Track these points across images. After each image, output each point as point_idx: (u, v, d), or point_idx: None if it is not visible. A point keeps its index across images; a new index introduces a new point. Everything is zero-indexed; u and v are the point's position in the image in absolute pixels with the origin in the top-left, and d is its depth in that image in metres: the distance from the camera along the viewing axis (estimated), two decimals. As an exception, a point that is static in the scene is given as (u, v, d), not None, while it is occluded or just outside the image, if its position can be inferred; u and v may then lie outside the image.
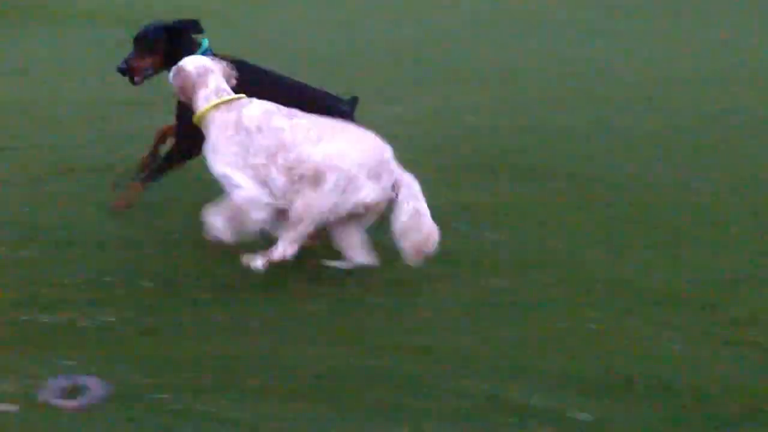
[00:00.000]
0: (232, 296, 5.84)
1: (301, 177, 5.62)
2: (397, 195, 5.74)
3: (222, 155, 5.74)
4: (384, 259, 6.00)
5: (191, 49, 6.42)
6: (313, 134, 5.67)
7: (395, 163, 5.80)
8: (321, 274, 6.01)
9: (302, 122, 5.72)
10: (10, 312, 5.61)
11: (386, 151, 5.77)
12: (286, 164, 5.65)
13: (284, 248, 5.77)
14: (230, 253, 5.99)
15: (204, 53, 6.38)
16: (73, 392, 4.77)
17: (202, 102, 5.83)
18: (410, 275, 5.96)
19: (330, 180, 5.61)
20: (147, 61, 6.52)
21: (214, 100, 5.79)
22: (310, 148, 5.63)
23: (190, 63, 5.92)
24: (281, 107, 5.81)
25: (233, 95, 5.83)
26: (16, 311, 5.62)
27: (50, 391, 4.76)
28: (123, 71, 6.58)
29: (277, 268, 5.87)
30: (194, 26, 6.57)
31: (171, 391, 4.85)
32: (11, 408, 4.66)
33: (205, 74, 5.86)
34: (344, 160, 5.63)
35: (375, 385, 4.94)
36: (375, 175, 5.69)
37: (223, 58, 6.14)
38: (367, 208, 5.75)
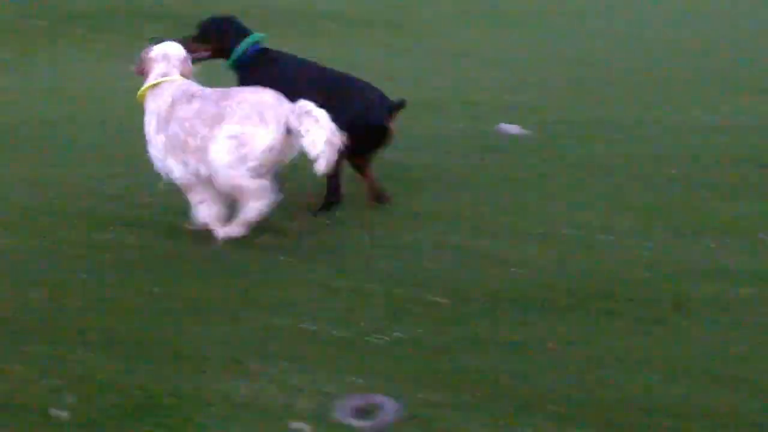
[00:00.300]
0: (528, 314, 5.60)
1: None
2: (293, 130, 6.23)
3: (150, 126, 6.57)
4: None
5: (238, 40, 7.21)
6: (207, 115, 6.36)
7: (288, 107, 6.27)
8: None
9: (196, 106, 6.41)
10: (300, 326, 5.52)
11: (271, 98, 6.32)
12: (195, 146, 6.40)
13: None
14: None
15: (250, 45, 7.18)
16: (366, 412, 4.60)
17: (149, 81, 6.64)
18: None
19: (226, 140, 6.28)
20: (198, 47, 7.20)
21: (152, 82, 6.60)
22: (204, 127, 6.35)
23: (158, 48, 6.74)
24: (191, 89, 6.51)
25: (169, 78, 6.59)
26: (303, 325, 5.52)
27: (343, 410, 4.60)
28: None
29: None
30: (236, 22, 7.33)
31: (465, 411, 4.63)
32: (304, 426, 4.53)
33: (160, 60, 6.67)
34: (232, 120, 6.29)
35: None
36: (264, 120, 6.24)
37: (268, 51, 7.18)
38: (272, 153, 6.26)
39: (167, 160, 6.54)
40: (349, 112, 6.76)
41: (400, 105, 7.02)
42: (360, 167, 7.13)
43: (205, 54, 7.24)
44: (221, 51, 7.25)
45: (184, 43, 7.11)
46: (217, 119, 6.35)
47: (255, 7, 13.49)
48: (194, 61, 7.05)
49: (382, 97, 7.06)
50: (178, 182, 6.58)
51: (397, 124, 7.05)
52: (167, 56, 6.70)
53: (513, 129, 9.06)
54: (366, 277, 6.10)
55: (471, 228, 6.83)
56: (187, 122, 6.43)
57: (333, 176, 6.85)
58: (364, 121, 6.92)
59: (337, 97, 6.83)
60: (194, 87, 6.59)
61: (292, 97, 6.42)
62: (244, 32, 7.26)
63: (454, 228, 6.82)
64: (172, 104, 6.51)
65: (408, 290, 5.91)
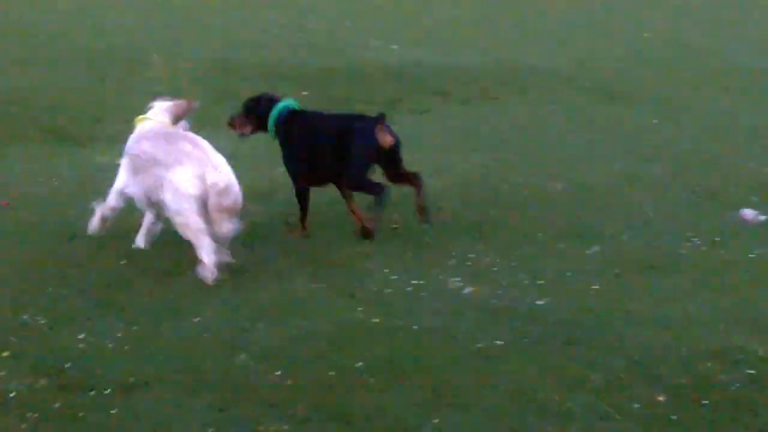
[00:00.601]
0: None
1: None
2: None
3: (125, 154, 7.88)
4: None
5: (269, 111, 8.32)
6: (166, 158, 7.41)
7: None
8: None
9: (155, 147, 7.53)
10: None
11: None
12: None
13: (205, 260, 7.22)
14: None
15: (280, 111, 8.26)
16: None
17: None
18: None
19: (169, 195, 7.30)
20: (245, 122, 8.43)
21: (140, 118, 7.93)
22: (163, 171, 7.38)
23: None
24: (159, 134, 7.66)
25: (149, 117, 7.90)
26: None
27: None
28: (230, 125, 8.55)
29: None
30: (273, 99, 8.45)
31: None
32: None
33: (152, 107, 8.01)
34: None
35: None
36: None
37: (295, 113, 8.26)
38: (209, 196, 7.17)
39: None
40: (351, 146, 7.97)
41: (381, 117, 8.03)
42: (396, 179, 8.19)
43: (247, 130, 8.42)
44: (260, 124, 8.37)
45: (230, 120, 8.44)
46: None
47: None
48: (241, 136, 8.42)
49: (368, 120, 8.09)
50: None
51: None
52: (160, 104, 7.99)
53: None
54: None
55: None
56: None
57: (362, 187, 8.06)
58: (363, 145, 7.99)
59: (339, 136, 8.01)
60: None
61: (315, 146, 8.07)
62: (274, 104, 8.32)
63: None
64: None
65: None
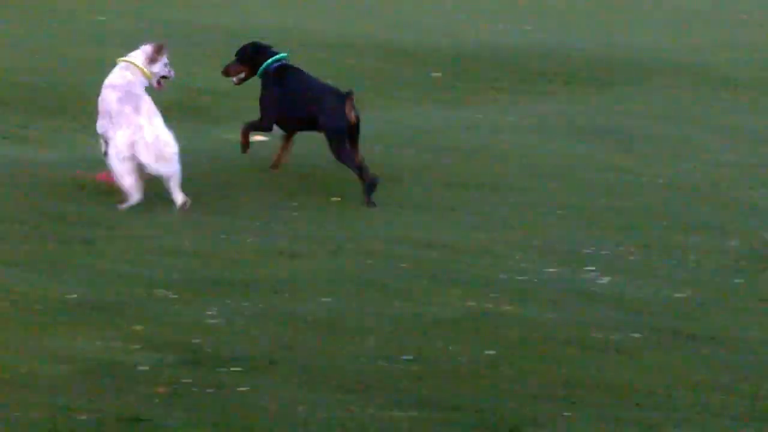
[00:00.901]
0: None
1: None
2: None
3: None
4: None
5: (264, 59, 9.08)
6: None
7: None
8: None
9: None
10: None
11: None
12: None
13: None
14: None
15: (274, 61, 9.03)
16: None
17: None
18: None
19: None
20: (240, 69, 9.21)
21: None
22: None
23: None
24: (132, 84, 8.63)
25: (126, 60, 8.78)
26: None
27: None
28: (225, 73, 9.42)
29: None
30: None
31: None
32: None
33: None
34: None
35: None
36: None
37: (284, 67, 9.09)
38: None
39: None
40: (320, 120, 8.75)
41: (350, 94, 8.73)
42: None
43: (243, 75, 9.16)
44: (254, 69, 9.09)
45: (225, 68, 9.21)
46: None
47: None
48: (238, 83, 9.21)
49: (339, 100, 8.75)
50: None
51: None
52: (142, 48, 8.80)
53: None
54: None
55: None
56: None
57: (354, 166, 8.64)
58: (331, 124, 8.72)
59: (316, 107, 8.80)
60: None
61: (293, 103, 8.90)
62: (269, 53, 9.10)
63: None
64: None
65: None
